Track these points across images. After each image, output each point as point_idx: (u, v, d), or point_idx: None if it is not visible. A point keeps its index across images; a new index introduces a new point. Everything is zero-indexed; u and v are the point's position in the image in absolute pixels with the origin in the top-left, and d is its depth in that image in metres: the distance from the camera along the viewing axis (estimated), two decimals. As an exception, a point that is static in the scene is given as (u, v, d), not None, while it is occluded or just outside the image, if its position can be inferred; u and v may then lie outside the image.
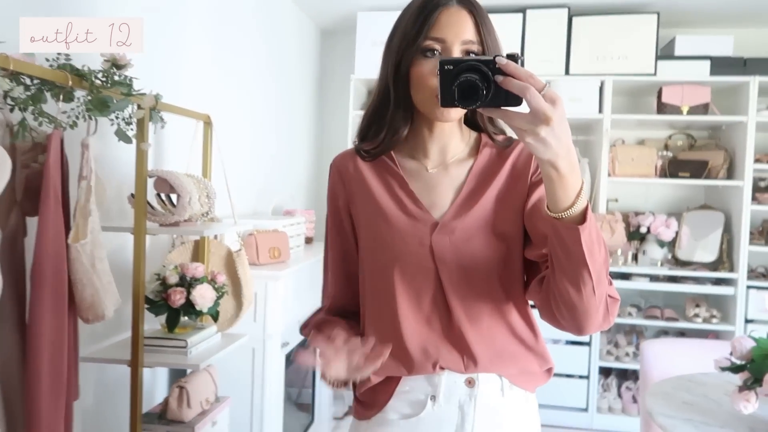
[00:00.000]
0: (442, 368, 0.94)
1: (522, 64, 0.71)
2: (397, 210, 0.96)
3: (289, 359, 2.40)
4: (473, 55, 0.89)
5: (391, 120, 0.96)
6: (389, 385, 0.97)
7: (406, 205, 0.96)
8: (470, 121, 1.02)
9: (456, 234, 0.93)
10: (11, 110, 1.16)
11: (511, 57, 0.71)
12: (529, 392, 1.00)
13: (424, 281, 0.94)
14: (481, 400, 0.95)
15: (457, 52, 0.89)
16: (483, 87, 0.71)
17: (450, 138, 0.98)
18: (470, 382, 0.95)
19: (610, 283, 0.86)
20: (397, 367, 0.95)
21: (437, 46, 0.90)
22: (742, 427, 1.41)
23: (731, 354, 1.45)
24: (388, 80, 0.95)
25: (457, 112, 0.92)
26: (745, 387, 1.39)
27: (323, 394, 3.02)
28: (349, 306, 1.07)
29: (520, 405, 0.98)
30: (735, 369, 1.42)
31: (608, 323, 0.87)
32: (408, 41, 0.91)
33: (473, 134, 1.02)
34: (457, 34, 0.89)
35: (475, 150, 1.00)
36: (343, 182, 1.03)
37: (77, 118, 1.25)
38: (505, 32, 3.17)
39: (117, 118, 1.37)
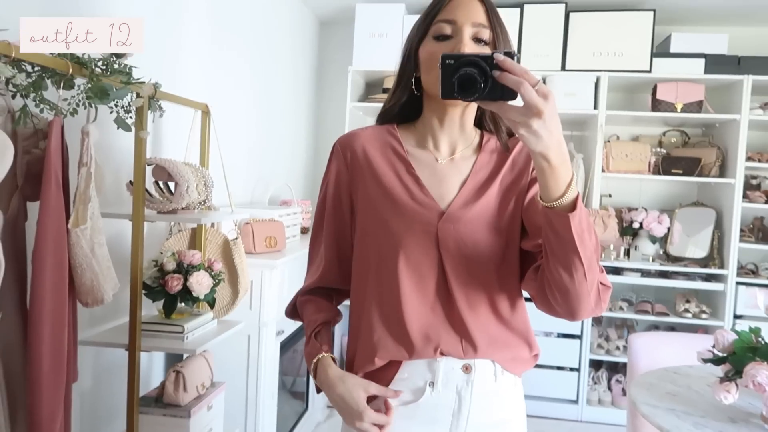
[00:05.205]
0: (442, 353, 0.96)
1: (518, 61, 0.76)
2: (405, 195, 0.99)
3: (284, 347, 2.44)
4: (483, 43, 0.95)
5: (406, 102, 1.03)
6: (388, 371, 0.99)
7: (413, 191, 0.99)
8: (475, 122, 1.07)
9: (461, 224, 0.96)
10: (13, 97, 1.18)
11: (508, 54, 0.76)
12: (517, 377, 1.04)
13: (428, 267, 0.97)
14: (478, 385, 0.98)
15: (467, 34, 0.94)
16: (481, 81, 0.76)
17: (459, 132, 1.03)
18: (467, 369, 0.98)
19: (602, 271, 0.91)
20: (398, 351, 0.97)
21: (448, 29, 0.94)
22: (722, 417, 1.45)
23: (713, 346, 1.48)
24: (405, 64, 1.01)
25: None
26: (726, 378, 1.42)
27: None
28: (334, 285, 1.10)
29: (510, 389, 1.02)
30: (717, 361, 1.46)
31: (600, 309, 0.91)
32: (420, 26, 0.98)
33: (477, 132, 1.06)
34: (467, 15, 0.94)
35: (479, 147, 1.04)
36: (347, 163, 1.04)
37: (77, 105, 1.27)
38: (503, 27, 3.19)
39: (116, 106, 1.39)
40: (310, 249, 1.13)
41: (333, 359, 1.02)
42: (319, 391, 1.03)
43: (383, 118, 1.08)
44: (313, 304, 1.08)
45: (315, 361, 1.01)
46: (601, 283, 0.90)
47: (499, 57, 0.75)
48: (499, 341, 0.99)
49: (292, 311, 1.14)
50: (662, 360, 1.95)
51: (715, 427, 1.37)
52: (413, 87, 1.01)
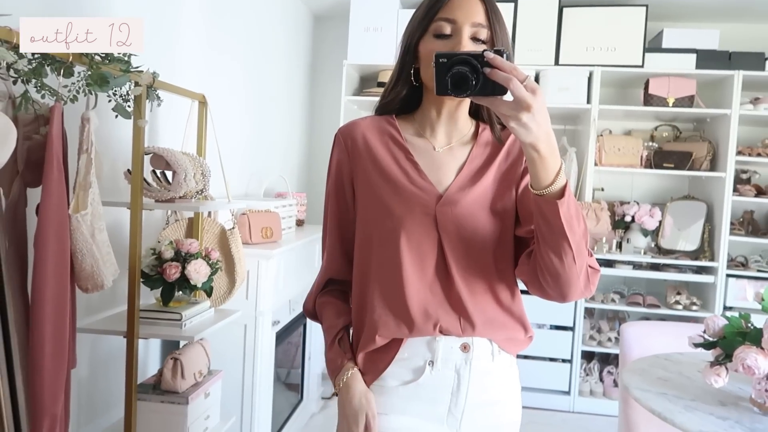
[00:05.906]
0: (441, 331, 0.99)
1: (507, 58, 0.81)
2: (405, 180, 1.02)
3: (279, 338, 2.45)
4: (481, 42, 0.97)
5: (405, 95, 1.06)
6: (389, 351, 1.01)
7: (412, 176, 1.02)
8: (471, 112, 1.10)
9: (459, 207, 0.99)
10: (14, 83, 1.19)
11: (498, 52, 0.80)
12: (513, 357, 1.07)
13: (428, 249, 1.00)
14: (476, 364, 1.01)
15: (467, 34, 0.96)
16: (473, 78, 0.81)
17: (455, 122, 1.06)
18: (465, 347, 1.00)
19: (590, 255, 0.95)
20: (399, 328, 1.00)
21: (448, 28, 0.97)
22: (713, 400, 1.48)
23: (704, 332, 1.51)
24: (405, 57, 1.04)
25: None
26: (717, 362, 1.45)
27: (312, 374, 3.08)
28: (343, 276, 1.12)
29: (506, 369, 1.06)
30: (707, 345, 1.49)
31: (590, 291, 0.96)
32: (421, 22, 1.00)
33: (473, 123, 1.10)
34: (467, 15, 0.96)
35: (474, 136, 1.08)
36: (348, 152, 1.07)
37: (78, 92, 1.28)
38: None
39: (115, 94, 1.40)
40: (322, 241, 1.16)
41: (359, 370, 1.04)
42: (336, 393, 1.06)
43: (382, 110, 1.10)
44: (332, 307, 1.11)
45: (344, 370, 1.02)
46: (590, 267, 0.94)
47: (489, 55, 0.79)
48: (496, 321, 1.02)
49: (312, 313, 1.16)
50: (654, 349, 1.98)
51: (705, 410, 1.40)
52: (412, 78, 1.04)
